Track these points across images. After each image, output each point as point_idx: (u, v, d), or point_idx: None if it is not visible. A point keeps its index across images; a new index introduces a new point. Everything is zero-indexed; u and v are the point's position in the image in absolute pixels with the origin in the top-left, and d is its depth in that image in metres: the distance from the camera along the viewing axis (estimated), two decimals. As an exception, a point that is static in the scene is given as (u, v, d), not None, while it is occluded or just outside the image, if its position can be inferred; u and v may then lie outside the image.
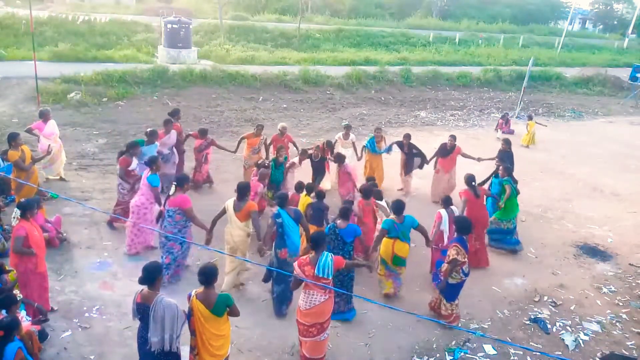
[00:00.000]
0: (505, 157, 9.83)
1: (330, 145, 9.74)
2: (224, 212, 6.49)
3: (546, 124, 17.06)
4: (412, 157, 10.13)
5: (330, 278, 5.06)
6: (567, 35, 38.47)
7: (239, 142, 9.95)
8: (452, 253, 6.02)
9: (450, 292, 6.25)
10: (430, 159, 10.20)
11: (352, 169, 9.18)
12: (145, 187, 7.15)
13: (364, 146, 10.27)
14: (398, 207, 6.57)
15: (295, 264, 5.18)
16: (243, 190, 6.44)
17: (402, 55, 27.27)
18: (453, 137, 10.06)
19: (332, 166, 9.78)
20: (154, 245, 7.42)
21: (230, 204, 6.43)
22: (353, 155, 10.36)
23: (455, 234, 6.28)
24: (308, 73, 19.87)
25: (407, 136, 10.17)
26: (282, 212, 6.26)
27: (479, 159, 10.08)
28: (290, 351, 5.76)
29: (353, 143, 10.42)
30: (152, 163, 7.20)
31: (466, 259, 6.03)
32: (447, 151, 9.97)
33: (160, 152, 8.58)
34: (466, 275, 6.15)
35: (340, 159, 9.17)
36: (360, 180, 9.21)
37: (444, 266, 6.15)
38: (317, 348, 5.35)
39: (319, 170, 9.56)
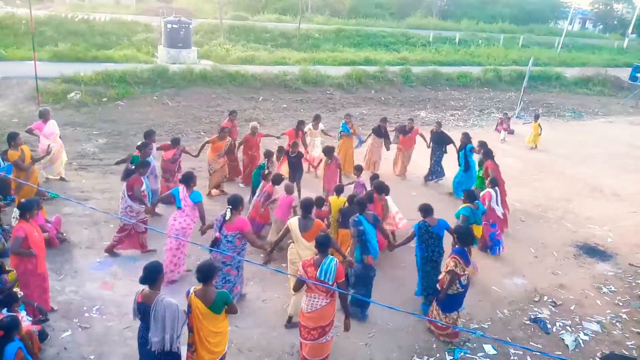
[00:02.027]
0: (436, 137, 11.09)
1: (302, 124, 10.18)
2: (287, 231, 6.10)
3: (529, 121, 16.47)
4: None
5: (332, 283, 4.99)
6: (567, 35, 38.47)
7: (202, 146, 9.52)
8: (450, 264, 5.76)
9: (447, 302, 5.99)
10: (393, 139, 11.46)
11: (339, 161, 9.33)
12: (189, 207, 6.63)
13: (339, 131, 11.26)
14: (472, 196, 7.34)
15: (300, 264, 5.16)
16: (308, 207, 6.00)
17: (402, 55, 27.26)
18: (411, 120, 11.49)
19: (314, 158, 10.61)
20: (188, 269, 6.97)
21: (294, 223, 5.99)
22: (322, 143, 11.01)
23: (457, 245, 5.99)
24: (308, 73, 19.88)
25: (384, 119, 11.43)
26: (362, 218, 6.28)
27: (428, 146, 11.34)
28: (290, 351, 5.76)
29: (322, 131, 11.07)
30: (189, 179, 6.67)
31: (465, 272, 5.78)
32: (406, 131, 11.24)
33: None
34: (463, 287, 5.90)
35: (329, 151, 9.09)
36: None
37: (442, 275, 5.92)
38: (319, 350, 5.34)
39: (296, 167, 9.30)
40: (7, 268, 5.51)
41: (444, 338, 6.19)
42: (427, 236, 6.42)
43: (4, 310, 4.85)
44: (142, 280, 4.37)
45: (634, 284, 7.98)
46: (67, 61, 17.40)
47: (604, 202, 11.37)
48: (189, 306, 4.54)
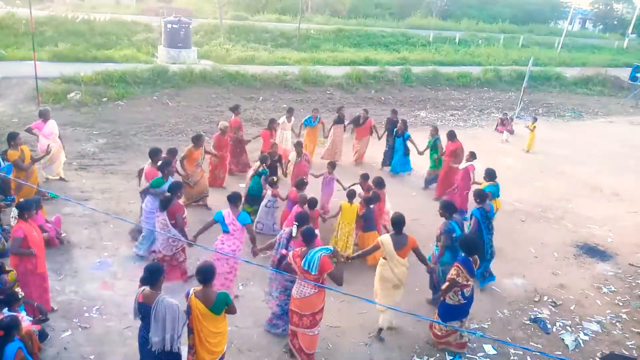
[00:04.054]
0: (390, 124, 11.69)
1: (273, 123, 10.36)
2: (377, 248, 5.98)
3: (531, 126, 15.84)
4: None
5: (315, 274, 5.05)
6: (567, 35, 38.46)
7: (182, 165, 8.49)
8: (452, 272, 5.54)
9: (446, 312, 5.78)
10: (346, 127, 12.05)
11: (308, 157, 9.40)
12: (238, 230, 6.29)
13: (301, 124, 11.52)
14: (491, 173, 7.98)
15: (290, 254, 5.32)
16: (400, 223, 5.86)
17: (402, 55, 27.23)
18: (365, 111, 11.95)
19: (284, 150, 10.57)
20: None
21: (387, 240, 5.83)
22: (291, 137, 11.26)
23: (462, 254, 5.71)
24: (308, 73, 19.87)
25: (341, 108, 12.15)
26: (454, 224, 6.27)
27: (379, 138, 11.83)
28: (285, 349, 5.76)
29: (292, 126, 11.34)
30: (236, 200, 6.32)
31: (469, 282, 5.56)
32: (359, 123, 11.75)
33: None
34: (466, 299, 5.66)
35: (299, 146, 9.08)
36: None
37: (445, 284, 5.67)
38: (311, 342, 5.40)
39: (274, 170, 9.03)
40: (7, 268, 5.52)
41: (443, 347, 6.02)
42: (487, 221, 7.03)
43: (5, 310, 4.85)
44: (143, 281, 4.38)
45: (634, 284, 7.99)
46: (67, 61, 17.37)
47: (604, 202, 11.37)
48: (189, 307, 4.54)
